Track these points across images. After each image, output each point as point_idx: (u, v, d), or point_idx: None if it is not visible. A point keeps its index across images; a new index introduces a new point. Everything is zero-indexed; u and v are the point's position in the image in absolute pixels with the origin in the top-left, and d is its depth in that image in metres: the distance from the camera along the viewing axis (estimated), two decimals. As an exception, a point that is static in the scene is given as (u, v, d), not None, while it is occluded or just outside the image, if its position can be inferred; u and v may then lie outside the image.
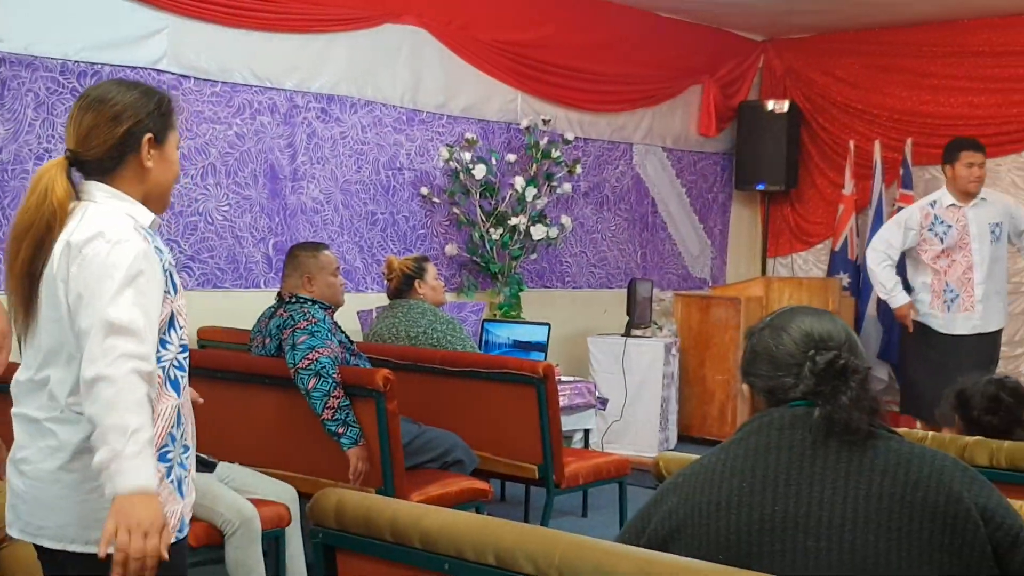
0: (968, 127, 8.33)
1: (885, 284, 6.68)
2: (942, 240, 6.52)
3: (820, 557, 1.80)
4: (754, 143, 9.02)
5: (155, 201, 2.43)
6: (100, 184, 2.36)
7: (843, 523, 1.81)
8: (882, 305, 8.39)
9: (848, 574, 1.79)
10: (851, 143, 8.69)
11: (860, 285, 8.54)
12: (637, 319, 7.67)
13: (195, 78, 6.06)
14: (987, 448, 3.08)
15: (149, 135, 2.37)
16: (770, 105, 9.02)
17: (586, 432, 6.55)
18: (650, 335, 7.78)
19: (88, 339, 2.19)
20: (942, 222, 6.53)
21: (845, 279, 8.50)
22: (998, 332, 6.68)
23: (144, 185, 2.39)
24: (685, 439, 7.89)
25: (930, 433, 3.29)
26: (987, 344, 6.58)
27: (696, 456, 2.10)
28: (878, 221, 8.48)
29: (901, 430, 2.17)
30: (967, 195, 6.51)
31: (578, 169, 7.63)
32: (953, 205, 6.53)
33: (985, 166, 6.53)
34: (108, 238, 2.25)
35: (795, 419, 1.92)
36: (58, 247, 2.28)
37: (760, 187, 9.12)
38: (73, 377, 2.26)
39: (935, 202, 6.59)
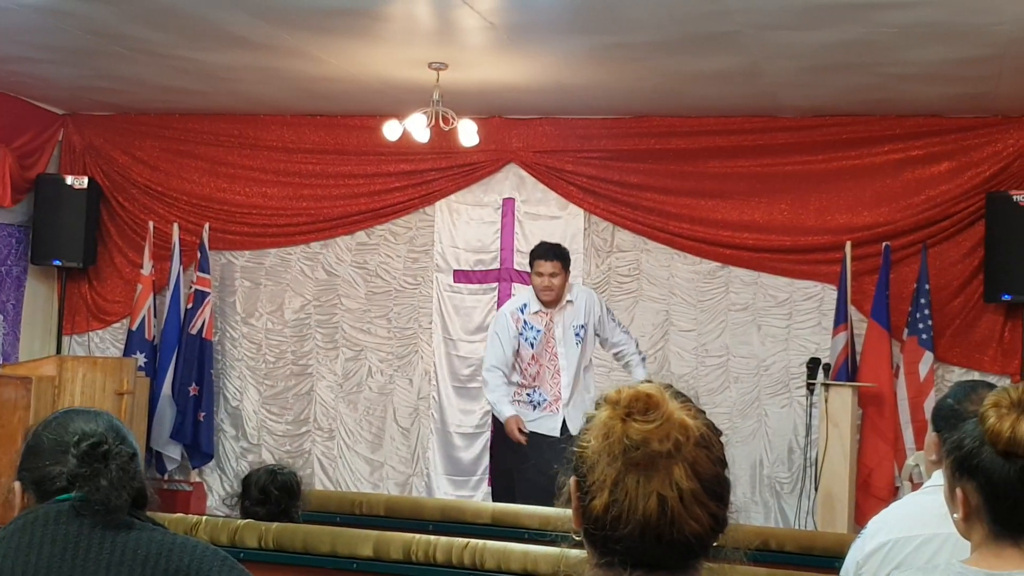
0: (263, 215, 8.87)
1: (491, 402, 6.61)
2: (532, 345, 6.48)
3: None
4: (52, 217, 8.78)
5: None
6: None
7: None
8: (176, 385, 8.57)
9: None
10: (151, 224, 8.80)
11: (156, 365, 8.64)
12: (-87, 399, 7.08)
13: None
14: (256, 531, 3.30)
15: None
16: (69, 180, 8.85)
17: None
18: (-73, 416, 7.21)
19: None
20: (530, 327, 6.51)
21: (141, 359, 8.54)
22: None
23: None
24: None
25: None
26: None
27: None
28: (175, 302, 8.69)
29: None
30: (545, 303, 6.49)
31: None
32: (539, 312, 6.52)
33: (560, 275, 6.46)
34: None
35: (60, 514, 1.94)
36: None
37: (57, 263, 8.89)
38: None
39: (525, 305, 6.57)
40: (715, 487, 1.56)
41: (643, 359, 6.88)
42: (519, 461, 6.26)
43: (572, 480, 1.62)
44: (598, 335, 6.71)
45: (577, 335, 6.53)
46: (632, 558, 1.54)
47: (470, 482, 8.50)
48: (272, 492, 3.77)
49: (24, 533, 1.92)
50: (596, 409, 1.62)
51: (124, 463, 2.00)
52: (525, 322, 6.52)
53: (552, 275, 6.44)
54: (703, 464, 1.55)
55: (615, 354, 6.90)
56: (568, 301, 6.56)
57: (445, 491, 8.47)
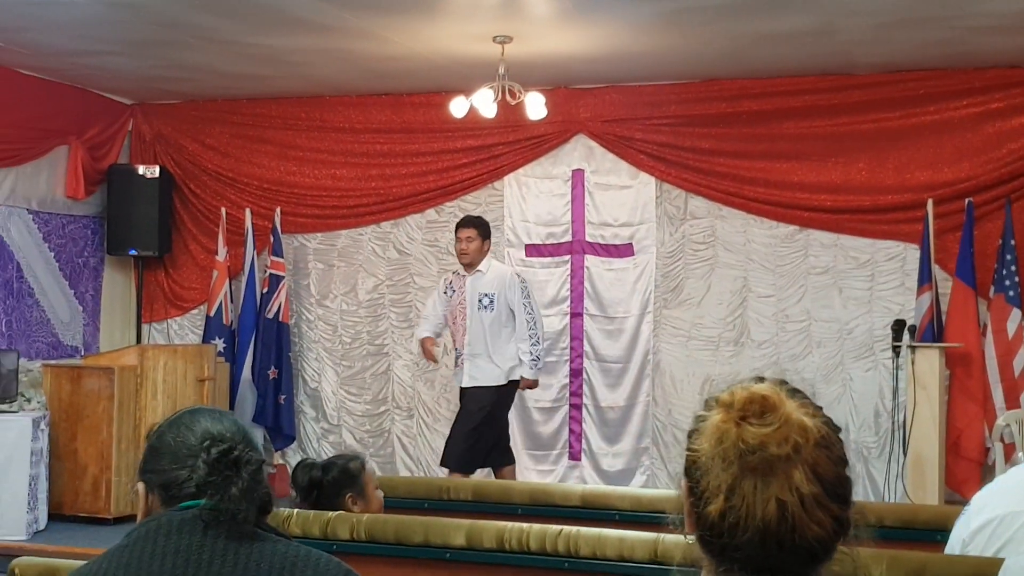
0: (333, 197, 8.88)
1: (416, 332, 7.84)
2: (447, 304, 7.39)
3: None
4: (126, 207, 8.87)
5: None
6: None
7: None
8: (256, 369, 8.64)
9: None
10: (223, 210, 8.86)
11: (236, 350, 8.71)
12: (2, 392, 7.22)
13: None
14: (347, 522, 3.28)
15: None
16: (141, 169, 8.93)
17: (-58, 522, 6.01)
18: (16, 409, 7.34)
19: None
20: (451, 287, 7.40)
21: (220, 344, 8.61)
22: (480, 389, 7.21)
23: None
24: (57, 517, 7.51)
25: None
26: (469, 397, 7.26)
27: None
28: (251, 287, 8.75)
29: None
30: (466, 266, 7.33)
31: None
32: (459, 274, 7.40)
33: (476, 241, 7.23)
34: None
35: (183, 523, 1.89)
36: None
37: (132, 252, 8.98)
38: None
39: (457, 270, 7.47)
40: (837, 488, 1.49)
41: (533, 359, 7.25)
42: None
43: (684, 484, 1.56)
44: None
45: (480, 301, 7.24)
46: (752, 565, 1.47)
47: (550, 456, 8.47)
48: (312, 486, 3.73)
49: (148, 542, 1.88)
50: (707, 410, 1.56)
51: (254, 471, 1.94)
52: (450, 283, 7.46)
53: (468, 239, 7.27)
54: (824, 465, 1.48)
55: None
56: (479, 270, 7.28)
57: (525, 465, 8.45)
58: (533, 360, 7.25)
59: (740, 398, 1.51)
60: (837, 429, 1.56)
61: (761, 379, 1.57)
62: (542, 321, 7.41)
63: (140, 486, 2.02)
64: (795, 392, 1.56)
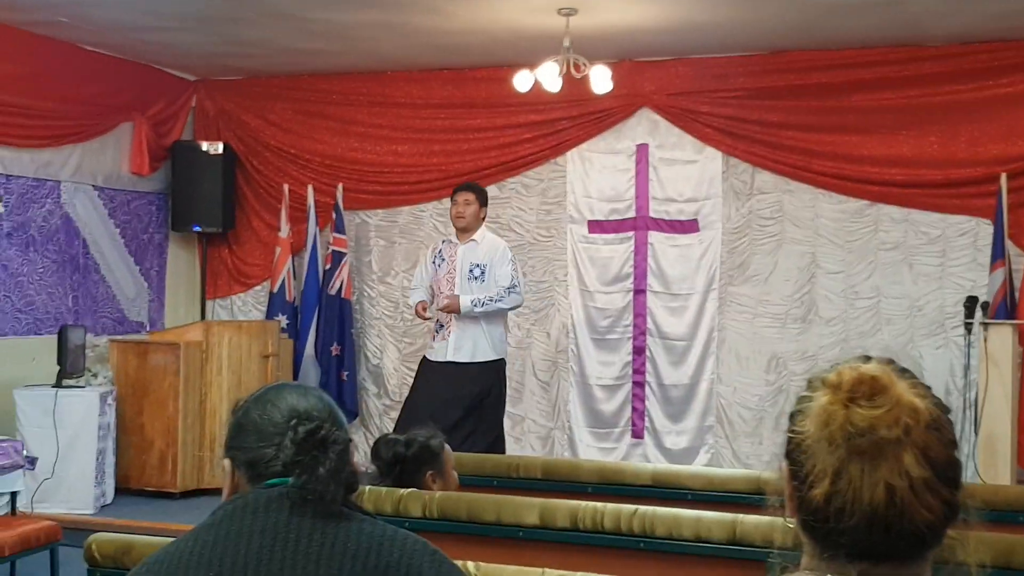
0: (393, 174, 8.85)
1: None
2: (436, 271, 7.08)
3: None
4: (189, 183, 8.91)
5: None
6: None
7: None
8: (319, 346, 8.67)
9: None
10: (285, 186, 8.86)
11: (299, 326, 8.73)
12: (69, 367, 7.29)
13: None
14: (419, 500, 3.25)
15: None
16: (204, 146, 8.96)
17: (13, 495, 6.08)
18: (84, 384, 7.42)
19: None
20: (440, 255, 7.11)
21: (284, 320, 8.64)
22: (473, 364, 6.90)
23: None
24: (124, 491, 7.60)
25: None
26: (458, 373, 6.87)
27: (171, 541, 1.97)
28: (313, 263, 8.76)
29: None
30: (459, 232, 7.05)
31: (0, 208, 7.10)
32: (451, 241, 7.13)
33: (473, 205, 6.99)
34: None
35: (270, 501, 1.87)
36: None
37: (196, 228, 9.02)
38: None
39: (447, 238, 7.24)
40: (947, 472, 1.44)
41: (480, 302, 6.89)
42: (413, 385, 7.20)
43: (784, 467, 1.50)
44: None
45: (471, 271, 6.97)
46: (858, 550, 1.42)
47: (612, 434, 8.41)
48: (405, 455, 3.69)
49: (235, 520, 1.86)
50: (811, 391, 1.50)
51: (341, 451, 1.92)
52: (440, 251, 7.17)
53: (465, 203, 7.01)
54: (935, 448, 1.43)
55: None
56: (472, 239, 7.02)
57: (587, 443, 8.41)
58: (480, 302, 6.88)
59: (848, 379, 1.46)
60: (947, 410, 1.50)
61: (868, 358, 1.52)
62: (517, 300, 7.09)
63: (226, 462, 2.00)
64: (904, 372, 1.51)
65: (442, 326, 7.02)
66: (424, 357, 7.23)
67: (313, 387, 2.10)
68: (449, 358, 6.95)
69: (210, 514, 1.92)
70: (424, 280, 7.23)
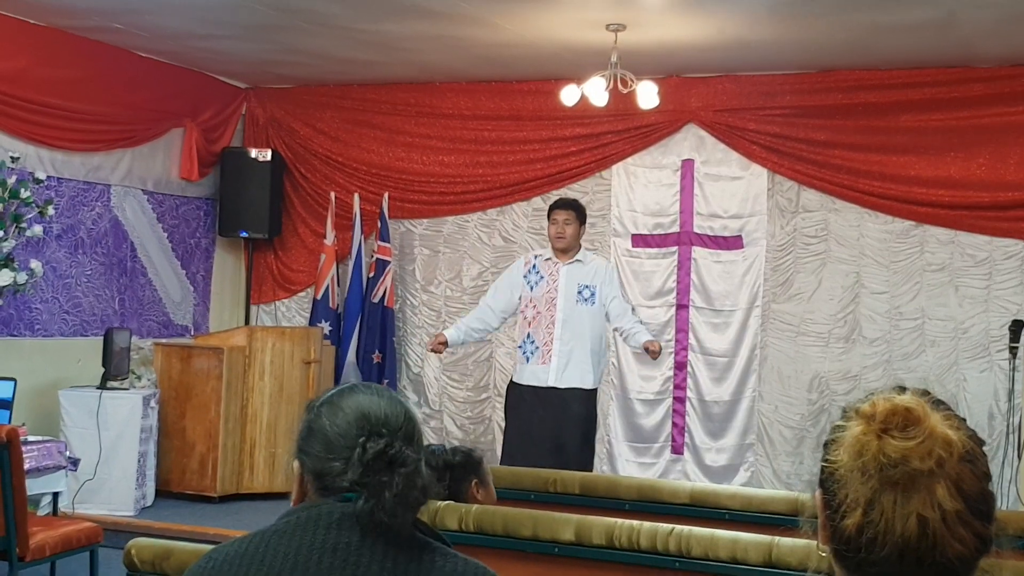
0: (439, 184, 8.90)
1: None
2: (532, 289, 6.56)
3: None
4: (237, 190, 9.00)
5: None
6: None
7: None
8: (360, 353, 8.72)
9: None
10: (332, 194, 8.93)
11: (341, 333, 8.79)
12: (114, 370, 7.38)
13: None
14: (456, 512, 3.26)
15: None
16: (253, 152, 9.06)
17: (55, 495, 6.15)
18: (128, 386, 7.51)
19: None
20: (537, 271, 6.58)
21: (327, 327, 8.70)
22: (578, 391, 6.45)
23: None
24: (164, 494, 7.68)
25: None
26: (562, 399, 6.43)
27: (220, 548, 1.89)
28: (357, 271, 8.82)
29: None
30: (559, 252, 6.54)
31: (50, 210, 7.21)
32: (550, 259, 6.58)
33: (573, 224, 6.50)
34: None
35: (344, 518, 1.81)
36: None
37: (243, 234, 9.11)
38: None
39: (540, 254, 6.70)
40: (980, 505, 1.43)
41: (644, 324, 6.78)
42: (509, 415, 6.67)
43: (818, 495, 1.51)
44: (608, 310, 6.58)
45: (580, 293, 6.51)
46: None
47: (652, 449, 8.39)
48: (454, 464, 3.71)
49: (307, 532, 1.81)
50: (845, 420, 1.50)
51: (411, 473, 1.81)
52: (534, 266, 6.62)
53: (565, 222, 6.53)
54: (968, 481, 1.42)
55: (616, 328, 6.74)
56: (578, 259, 6.57)
57: (627, 458, 8.39)
58: (649, 331, 6.72)
59: (882, 409, 1.45)
60: (981, 443, 1.50)
61: (903, 389, 1.52)
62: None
63: (296, 464, 1.94)
64: (939, 404, 1.50)
65: (537, 347, 6.51)
66: (513, 382, 6.71)
67: (387, 391, 2.00)
68: (551, 383, 6.44)
69: (280, 518, 1.86)
70: (505, 297, 6.65)
